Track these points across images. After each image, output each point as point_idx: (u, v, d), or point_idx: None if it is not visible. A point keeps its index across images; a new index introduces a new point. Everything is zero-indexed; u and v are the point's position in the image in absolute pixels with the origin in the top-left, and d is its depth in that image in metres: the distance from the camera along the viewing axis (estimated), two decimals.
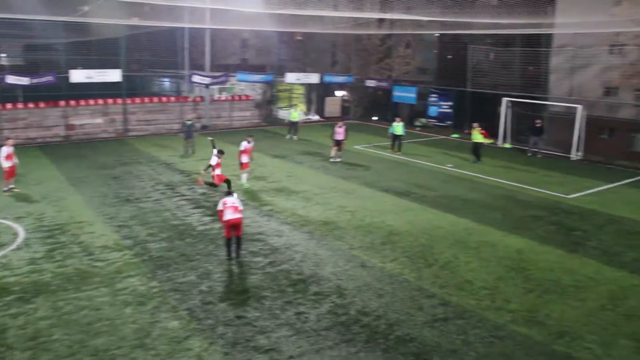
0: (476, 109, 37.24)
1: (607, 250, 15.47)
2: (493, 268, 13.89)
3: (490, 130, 29.46)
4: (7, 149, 20.33)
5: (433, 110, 40.14)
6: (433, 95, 40.20)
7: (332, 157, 27.22)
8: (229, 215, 13.77)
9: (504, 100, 32.95)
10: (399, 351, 9.97)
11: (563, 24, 31.20)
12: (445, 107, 39.37)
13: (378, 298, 12.06)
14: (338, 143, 27.18)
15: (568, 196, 21.25)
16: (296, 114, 35.01)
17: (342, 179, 23.29)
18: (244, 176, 22.14)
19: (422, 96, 41.29)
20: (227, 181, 19.88)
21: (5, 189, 20.28)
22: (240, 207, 14.10)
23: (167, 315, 11.15)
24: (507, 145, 32.81)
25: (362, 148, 31.25)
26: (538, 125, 30.38)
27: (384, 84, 43.21)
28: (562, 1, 31.08)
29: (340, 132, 27.21)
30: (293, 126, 34.70)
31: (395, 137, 30.03)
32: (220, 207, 14.08)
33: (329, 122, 43.23)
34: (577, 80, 32.77)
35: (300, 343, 10.18)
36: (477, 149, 27.56)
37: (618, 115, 31.64)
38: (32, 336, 10.32)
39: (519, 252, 15.04)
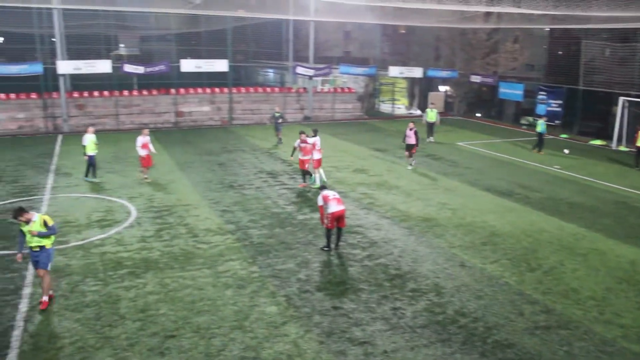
0: (588, 108, 35.34)
1: None
2: (602, 278, 13.12)
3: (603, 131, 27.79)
4: (142, 139, 20.70)
5: (541, 109, 38.39)
6: (542, 92, 38.47)
7: (409, 164, 24.25)
8: (334, 208, 13.83)
9: (621, 99, 30.97)
10: (497, 356, 9.66)
11: None
12: (555, 105, 37.56)
13: (477, 299, 11.75)
14: (409, 147, 24.07)
15: None
16: (433, 114, 31.45)
17: (444, 176, 22.86)
18: (317, 176, 20.77)
19: (530, 93, 39.65)
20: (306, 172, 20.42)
21: (146, 175, 21.05)
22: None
23: (265, 300, 11.44)
24: (623, 148, 30.86)
25: (464, 145, 30.53)
26: None
27: (489, 80, 41.89)
28: None
29: (410, 136, 23.89)
30: (430, 127, 31.47)
31: (539, 136, 28.78)
32: (320, 202, 14.17)
33: None
34: None
35: (395, 338, 10.11)
36: None
37: None
38: (141, 308, 10.94)
39: (632, 263, 14.10)
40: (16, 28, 35.10)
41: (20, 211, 10.88)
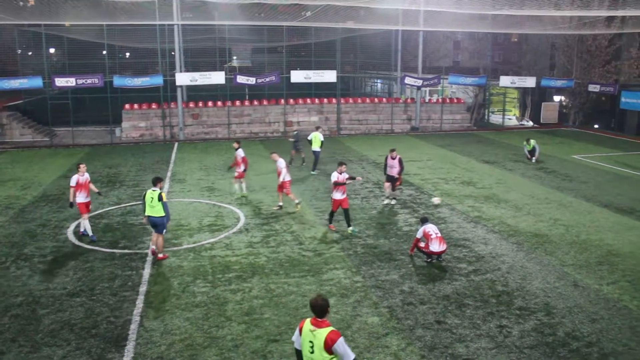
0: None
1: None
2: None
3: None
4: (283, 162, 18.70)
5: None
6: None
7: (386, 197, 19.97)
8: (436, 248, 13.68)
9: None
10: None
11: None
12: None
13: (591, 323, 11.03)
14: (391, 179, 19.66)
15: None
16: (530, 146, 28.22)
17: (557, 190, 21.79)
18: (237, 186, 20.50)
19: None
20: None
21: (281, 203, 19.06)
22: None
23: (368, 311, 11.40)
24: None
25: (580, 158, 28.96)
26: None
27: (609, 89, 39.49)
28: None
29: (394, 165, 19.58)
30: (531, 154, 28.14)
31: None
32: (419, 235, 14.03)
33: (544, 129, 40.99)
34: None
35: (501, 358, 9.72)
36: None
37: None
38: (247, 312, 11.27)
39: None
40: (140, 44, 37.63)
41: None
